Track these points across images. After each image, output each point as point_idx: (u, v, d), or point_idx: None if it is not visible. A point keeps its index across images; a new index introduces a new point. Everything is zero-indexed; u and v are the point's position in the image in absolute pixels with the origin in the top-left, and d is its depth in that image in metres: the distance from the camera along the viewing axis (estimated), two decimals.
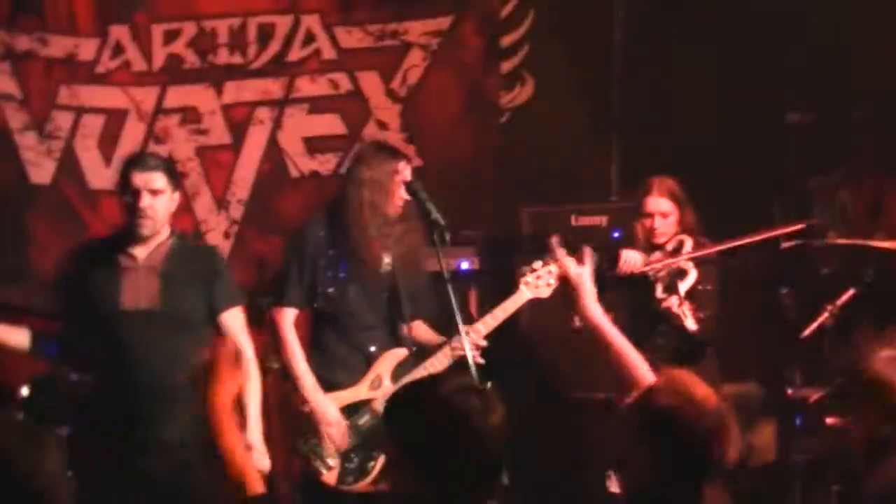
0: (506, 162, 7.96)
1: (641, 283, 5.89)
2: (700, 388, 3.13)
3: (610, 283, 5.87)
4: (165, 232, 5.24)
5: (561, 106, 7.86)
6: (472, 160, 7.99)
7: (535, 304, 6.08)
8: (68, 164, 7.77)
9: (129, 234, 5.20)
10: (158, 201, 5.13)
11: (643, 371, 3.58)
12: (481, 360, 5.42)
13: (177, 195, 5.25)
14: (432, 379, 3.23)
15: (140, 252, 5.19)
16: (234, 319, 5.28)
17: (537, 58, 8.02)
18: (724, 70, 7.56)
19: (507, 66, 8.08)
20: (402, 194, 5.59)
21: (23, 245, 7.63)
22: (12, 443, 2.66)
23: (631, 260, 5.93)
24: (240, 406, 5.14)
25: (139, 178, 5.12)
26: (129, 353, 5.10)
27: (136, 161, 5.26)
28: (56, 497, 2.67)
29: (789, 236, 5.94)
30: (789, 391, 6.19)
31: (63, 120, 7.81)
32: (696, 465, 3.09)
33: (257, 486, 3.27)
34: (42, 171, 7.77)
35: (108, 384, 5.14)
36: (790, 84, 7.48)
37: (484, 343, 5.49)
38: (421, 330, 5.80)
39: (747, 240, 5.90)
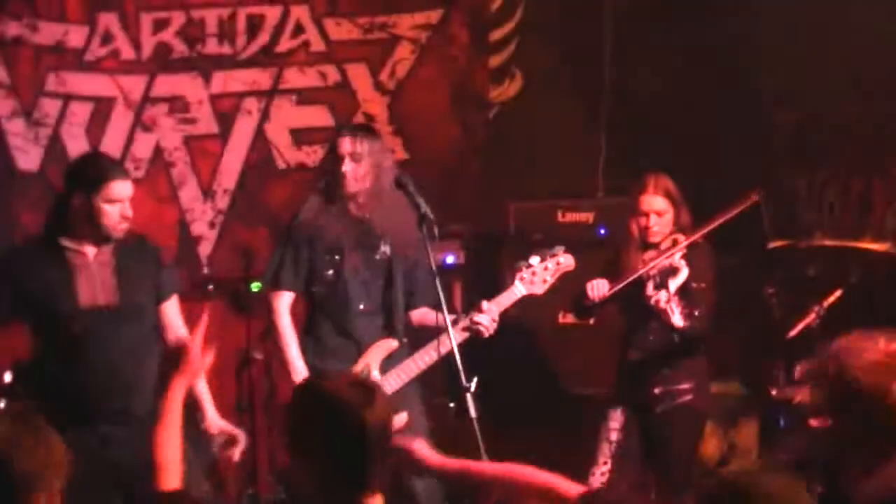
0: (493, 157, 7.97)
1: (632, 285, 5.89)
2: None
3: (592, 307, 5.92)
4: None
5: (549, 101, 7.87)
6: (460, 154, 8.00)
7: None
8: (55, 152, 7.75)
9: (73, 231, 5.10)
10: (128, 206, 5.10)
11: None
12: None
13: None
14: (322, 374, 3.39)
15: (89, 249, 5.12)
16: (174, 308, 5.26)
17: (526, 53, 8.03)
18: (713, 68, 7.58)
19: (495, 61, 8.09)
20: (346, 168, 5.53)
21: (9, 231, 7.61)
22: (14, 433, 2.66)
23: (597, 287, 5.93)
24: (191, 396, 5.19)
25: (125, 188, 5.07)
26: (89, 351, 5.04)
27: (117, 171, 5.16)
28: (51, 485, 2.67)
29: (748, 215, 5.92)
30: (773, 391, 6.22)
31: (51, 107, 7.79)
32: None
33: (173, 482, 3.39)
34: (29, 157, 7.75)
35: (66, 383, 5.07)
36: (777, 82, 7.50)
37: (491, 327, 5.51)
38: (423, 315, 5.74)
39: (706, 228, 5.88)
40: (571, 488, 3.32)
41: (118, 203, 5.04)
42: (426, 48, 8.02)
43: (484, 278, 5.84)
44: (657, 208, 5.93)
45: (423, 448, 3.59)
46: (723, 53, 7.56)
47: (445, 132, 7.99)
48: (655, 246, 5.95)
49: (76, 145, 7.76)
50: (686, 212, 5.99)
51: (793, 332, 5.96)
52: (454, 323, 5.36)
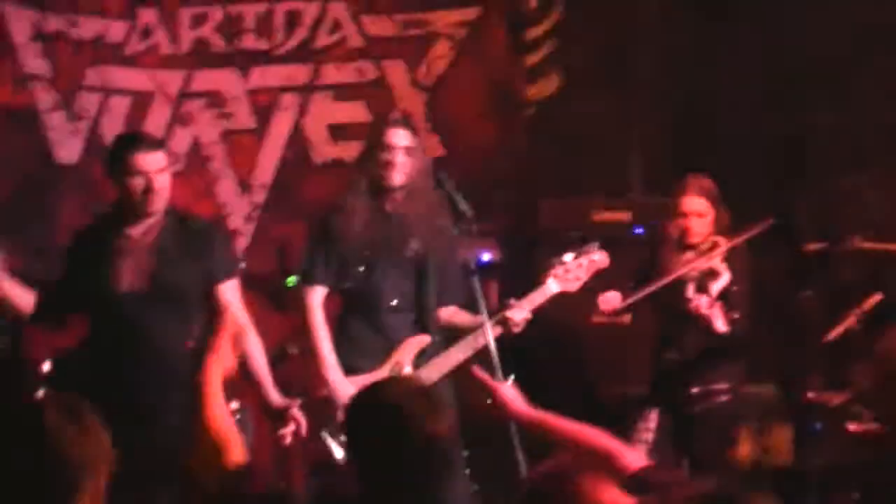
0: (529, 155, 7.96)
1: (673, 283, 5.88)
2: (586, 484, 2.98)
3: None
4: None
5: (585, 100, 7.87)
6: (495, 152, 8.00)
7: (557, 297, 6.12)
8: (94, 145, 7.79)
9: (122, 214, 5.17)
10: (166, 178, 5.11)
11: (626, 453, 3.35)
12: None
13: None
14: (384, 382, 3.23)
15: (134, 232, 5.16)
16: (231, 290, 5.23)
17: (563, 51, 8.02)
18: (752, 66, 7.55)
19: (532, 60, 8.08)
20: (398, 160, 5.56)
21: (48, 224, 7.66)
22: (57, 423, 2.67)
23: (609, 301, 5.93)
24: (247, 374, 5.22)
25: (149, 160, 5.07)
26: (127, 335, 5.09)
27: (139, 143, 5.19)
28: (98, 475, 2.68)
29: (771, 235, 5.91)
30: (809, 395, 6.19)
31: (90, 101, 7.83)
32: None
33: (237, 457, 3.25)
34: (69, 150, 7.80)
35: (106, 366, 5.14)
36: (817, 83, 7.47)
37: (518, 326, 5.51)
38: (453, 314, 5.76)
39: (748, 234, 5.87)
40: (634, 463, 3.24)
41: (141, 175, 5.05)
42: (463, 46, 8.02)
43: (519, 276, 5.84)
44: (698, 210, 5.92)
45: (508, 392, 3.55)
46: (762, 52, 7.53)
47: (482, 130, 7.99)
48: (694, 247, 5.94)
49: None
50: (725, 214, 5.97)
51: (831, 336, 5.94)
52: (485, 319, 5.40)
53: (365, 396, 3.14)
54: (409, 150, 5.56)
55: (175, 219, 5.23)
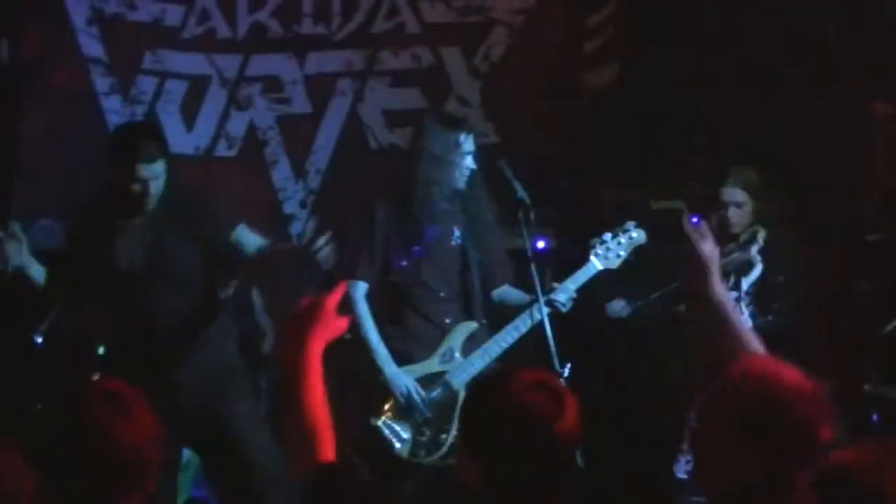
0: (586, 143, 7.92)
1: None
2: (791, 374, 2.89)
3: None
4: None
5: (644, 88, 7.81)
6: (553, 140, 7.96)
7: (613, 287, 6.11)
8: None
9: (119, 198, 5.27)
10: (160, 182, 5.21)
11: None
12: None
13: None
14: (508, 373, 3.07)
15: (127, 215, 5.29)
16: (245, 233, 5.32)
17: (622, 39, 7.97)
18: (813, 57, 7.48)
19: (591, 47, 8.03)
20: (466, 165, 5.59)
21: None
22: (102, 409, 2.68)
23: (614, 309, 5.97)
24: None
25: (147, 171, 5.18)
26: (134, 311, 5.23)
27: (142, 153, 5.22)
28: (147, 461, 2.69)
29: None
30: (867, 387, 6.15)
31: (147, 84, 7.87)
32: (793, 456, 2.81)
33: (328, 453, 3.01)
34: None
35: (121, 348, 5.33)
36: (876, 73, 7.40)
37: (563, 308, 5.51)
38: (506, 294, 5.82)
39: None
40: None
41: (140, 182, 5.18)
42: (521, 32, 7.98)
43: (575, 264, 5.80)
44: (736, 200, 5.95)
45: (714, 274, 3.53)
46: (824, 43, 7.46)
47: (539, 117, 7.95)
48: (736, 238, 5.94)
49: (171, 122, 7.84)
50: (770, 203, 5.96)
51: (889, 328, 5.89)
52: (533, 303, 5.42)
53: (485, 391, 2.95)
54: (474, 154, 5.60)
55: (171, 194, 5.31)
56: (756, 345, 3.48)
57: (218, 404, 5.32)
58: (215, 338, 5.38)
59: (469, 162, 5.62)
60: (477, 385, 3.11)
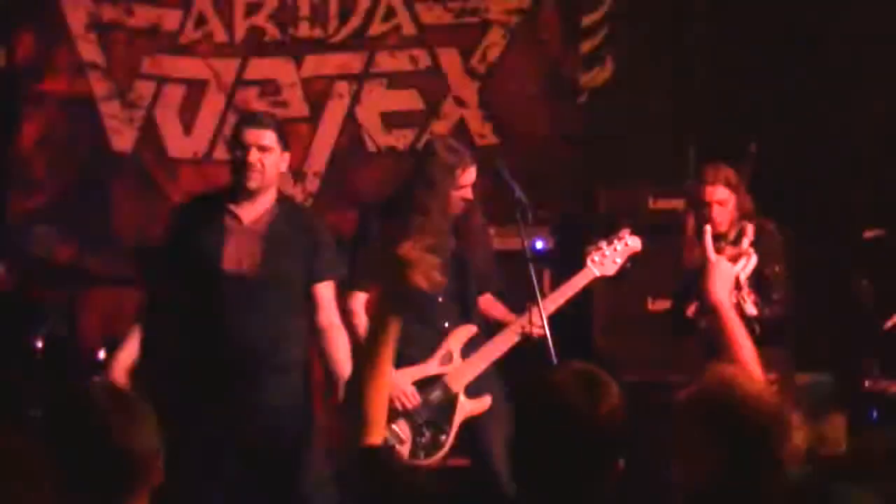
0: (583, 142, 7.93)
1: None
2: (754, 384, 3.03)
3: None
4: (272, 194, 5.24)
5: (640, 87, 7.81)
6: (550, 140, 7.96)
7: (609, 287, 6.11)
8: (149, 133, 7.85)
9: (234, 193, 5.21)
10: (267, 157, 5.15)
11: (753, 364, 3.44)
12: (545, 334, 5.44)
13: (286, 156, 5.27)
14: (553, 366, 3.05)
15: (245, 213, 5.18)
16: (328, 291, 5.28)
17: (618, 38, 7.97)
18: (808, 53, 7.48)
19: (587, 46, 8.03)
20: (460, 197, 5.59)
21: (104, 210, 7.73)
22: (110, 413, 2.68)
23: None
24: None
25: (250, 135, 5.16)
26: (227, 316, 5.09)
27: (249, 118, 5.34)
28: (152, 468, 2.69)
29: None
30: (866, 382, 6.14)
31: (145, 89, 7.89)
32: (753, 461, 2.92)
33: (377, 437, 3.06)
34: (124, 139, 7.86)
35: (202, 348, 5.15)
36: (875, 68, 7.40)
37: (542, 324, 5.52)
38: (490, 305, 5.84)
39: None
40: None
41: (248, 150, 5.12)
42: (517, 33, 7.98)
43: (573, 264, 5.80)
44: (719, 198, 5.93)
45: (722, 273, 3.69)
46: (818, 39, 7.46)
47: (536, 117, 7.95)
48: (724, 236, 5.94)
49: (169, 127, 7.85)
50: (747, 197, 5.97)
51: (889, 323, 5.89)
52: (508, 326, 5.54)
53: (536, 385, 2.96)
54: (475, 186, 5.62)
55: (287, 208, 5.28)
56: (751, 356, 3.48)
57: (285, 436, 5.17)
58: (296, 362, 5.26)
59: (465, 193, 5.61)
60: (524, 379, 3.10)
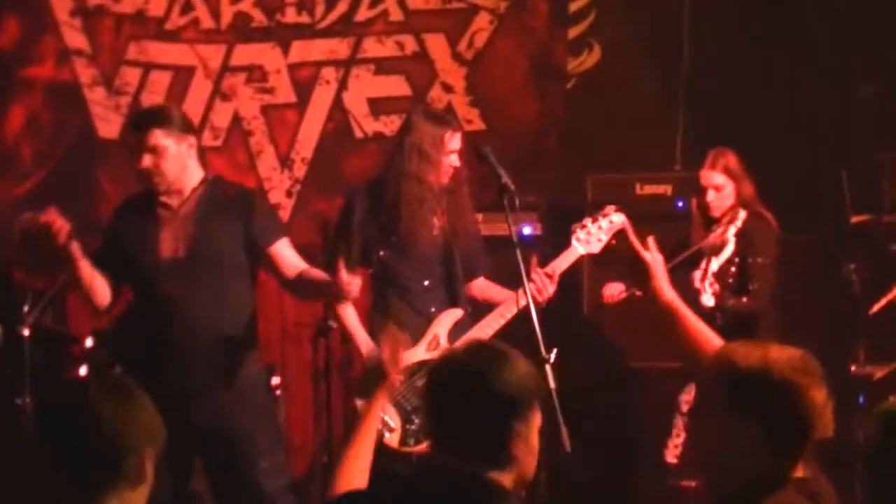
0: (570, 128, 7.93)
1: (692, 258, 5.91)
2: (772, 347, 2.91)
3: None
4: (197, 177, 5.17)
5: (628, 73, 7.82)
6: (537, 125, 7.97)
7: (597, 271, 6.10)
8: None
9: None
10: (163, 158, 5.05)
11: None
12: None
13: (188, 140, 5.12)
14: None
15: (175, 201, 5.14)
16: (284, 249, 5.19)
17: (605, 24, 7.97)
18: (794, 39, 7.49)
19: (574, 32, 8.03)
20: (449, 163, 5.59)
21: (91, 198, 7.71)
22: (106, 399, 2.67)
23: (611, 289, 6.01)
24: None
25: (133, 139, 5.10)
26: (171, 303, 5.06)
27: (132, 120, 5.25)
28: (146, 454, 2.68)
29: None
30: (853, 368, 6.16)
31: (131, 76, 7.87)
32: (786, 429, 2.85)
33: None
34: (110, 125, 7.84)
35: (150, 336, 5.13)
36: (860, 53, 7.40)
37: (551, 291, 5.52)
38: (484, 287, 5.84)
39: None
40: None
41: (138, 156, 5.06)
42: (504, 18, 7.98)
43: (560, 249, 5.80)
44: (716, 183, 5.96)
45: (658, 268, 3.58)
46: (804, 24, 7.46)
47: (523, 103, 7.95)
48: (717, 221, 5.95)
49: None
50: (749, 185, 5.98)
51: (876, 308, 5.90)
52: (495, 309, 5.54)
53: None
54: (461, 153, 5.60)
55: (215, 186, 5.22)
56: (712, 336, 3.49)
57: (235, 420, 5.12)
58: (247, 344, 5.21)
59: (453, 160, 5.61)
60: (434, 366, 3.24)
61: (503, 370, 3.00)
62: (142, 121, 5.16)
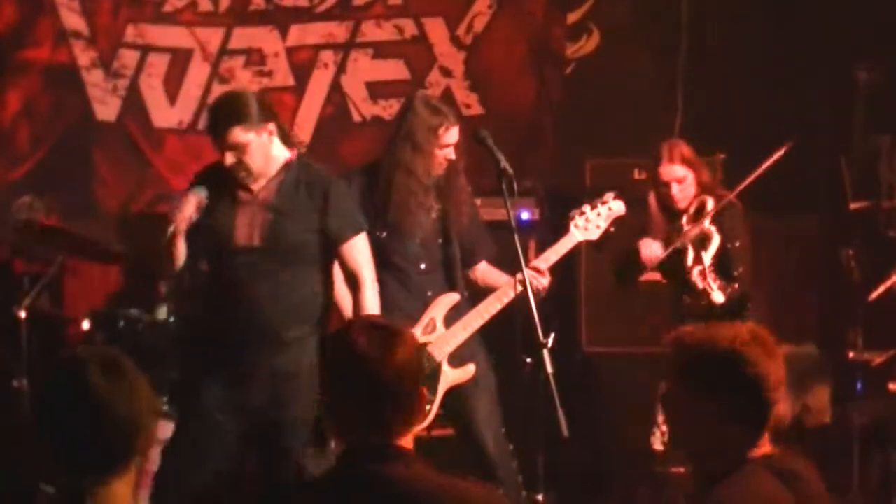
0: (569, 113, 7.92)
1: (673, 253, 5.88)
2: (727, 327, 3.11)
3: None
4: (279, 163, 5.13)
5: (626, 58, 7.81)
6: (535, 110, 7.96)
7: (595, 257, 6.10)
8: (133, 103, 7.81)
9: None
10: (246, 154, 5.02)
11: None
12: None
13: (268, 128, 5.08)
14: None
15: (256, 186, 5.11)
16: (353, 249, 5.18)
17: (604, 9, 7.96)
18: (793, 24, 7.47)
19: (573, 17, 8.01)
20: (444, 156, 5.57)
21: (88, 181, 7.70)
22: (103, 381, 2.67)
23: (652, 250, 5.95)
24: None
25: (216, 142, 5.05)
26: (240, 290, 5.06)
27: (208, 120, 5.14)
28: (145, 436, 2.68)
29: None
30: (851, 354, 6.15)
31: (129, 58, 7.83)
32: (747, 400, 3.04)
33: None
34: (108, 108, 7.80)
35: (217, 320, 5.15)
36: (860, 39, 7.38)
37: (545, 283, 5.53)
38: (485, 272, 5.83)
39: (752, 178, 5.80)
40: None
41: (222, 152, 5.03)
42: (504, 3, 7.96)
43: (558, 234, 5.80)
44: (677, 176, 5.92)
45: None
46: (804, 10, 7.45)
47: (522, 88, 7.94)
48: (684, 211, 5.92)
49: (154, 96, 7.82)
50: (705, 171, 5.96)
51: (874, 295, 5.89)
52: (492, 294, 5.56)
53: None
54: (458, 146, 5.59)
55: (299, 170, 5.16)
56: None
57: (284, 411, 5.11)
58: (307, 335, 5.16)
59: (448, 153, 5.59)
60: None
61: None
62: (220, 120, 5.06)
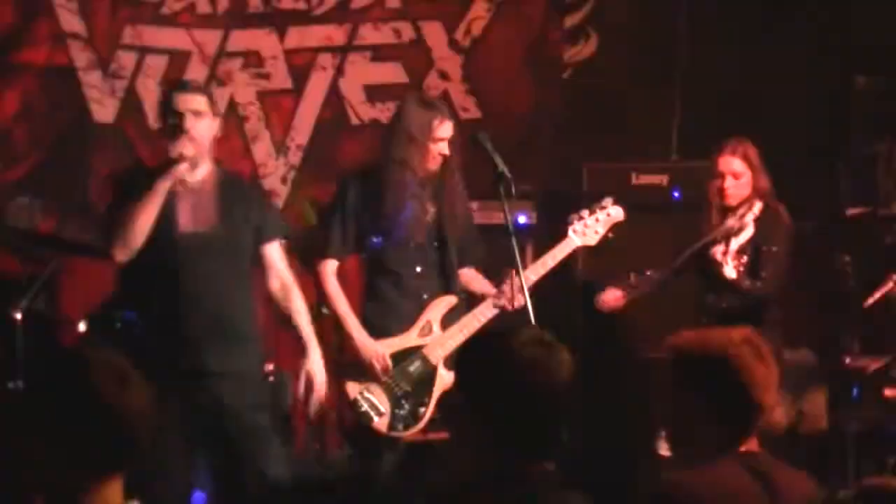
0: (567, 117, 7.92)
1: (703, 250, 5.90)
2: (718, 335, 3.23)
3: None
4: (209, 160, 5.21)
5: (624, 62, 7.82)
6: (533, 114, 7.96)
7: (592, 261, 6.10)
8: (131, 104, 7.81)
9: (174, 162, 5.13)
10: (201, 124, 5.11)
11: None
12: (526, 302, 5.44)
13: (217, 122, 5.22)
14: (504, 331, 3.15)
15: (189, 177, 5.14)
16: (277, 252, 5.30)
17: (602, 13, 7.96)
18: (791, 30, 7.48)
19: (570, 21, 8.02)
20: (438, 150, 5.58)
21: (86, 182, 7.70)
22: (102, 380, 2.67)
23: (608, 300, 6.00)
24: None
25: (181, 101, 5.11)
26: (187, 278, 5.07)
27: (178, 85, 5.31)
28: (143, 435, 2.68)
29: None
30: (846, 360, 6.15)
31: (127, 59, 7.84)
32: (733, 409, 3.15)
33: None
34: (105, 109, 7.81)
35: (164, 312, 5.12)
36: (858, 46, 7.39)
37: (520, 304, 5.53)
38: (471, 279, 5.83)
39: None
40: None
41: (182, 117, 5.08)
42: (501, 6, 7.97)
43: (555, 239, 5.81)
44: (733, 170, 5.91)
45: None
46: (803, 15, 7.46)
47: (519, 91, 7.95)
48: (733, 209, 5.92)
49: (151, 98, 7.81)
50: (765, 178, 5.93)
51: (870, 301, 5.89)
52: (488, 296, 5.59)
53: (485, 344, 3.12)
54: (451, 140, 5.59)
55: (224, 173, 5.27)
56: None
57: (243, 408, 5.15)
58: (251, 332, 5.27)
59: (442, 147, 5.59)
60: (473, 341, 3.31)
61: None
62: (191, 85, 5.32)
